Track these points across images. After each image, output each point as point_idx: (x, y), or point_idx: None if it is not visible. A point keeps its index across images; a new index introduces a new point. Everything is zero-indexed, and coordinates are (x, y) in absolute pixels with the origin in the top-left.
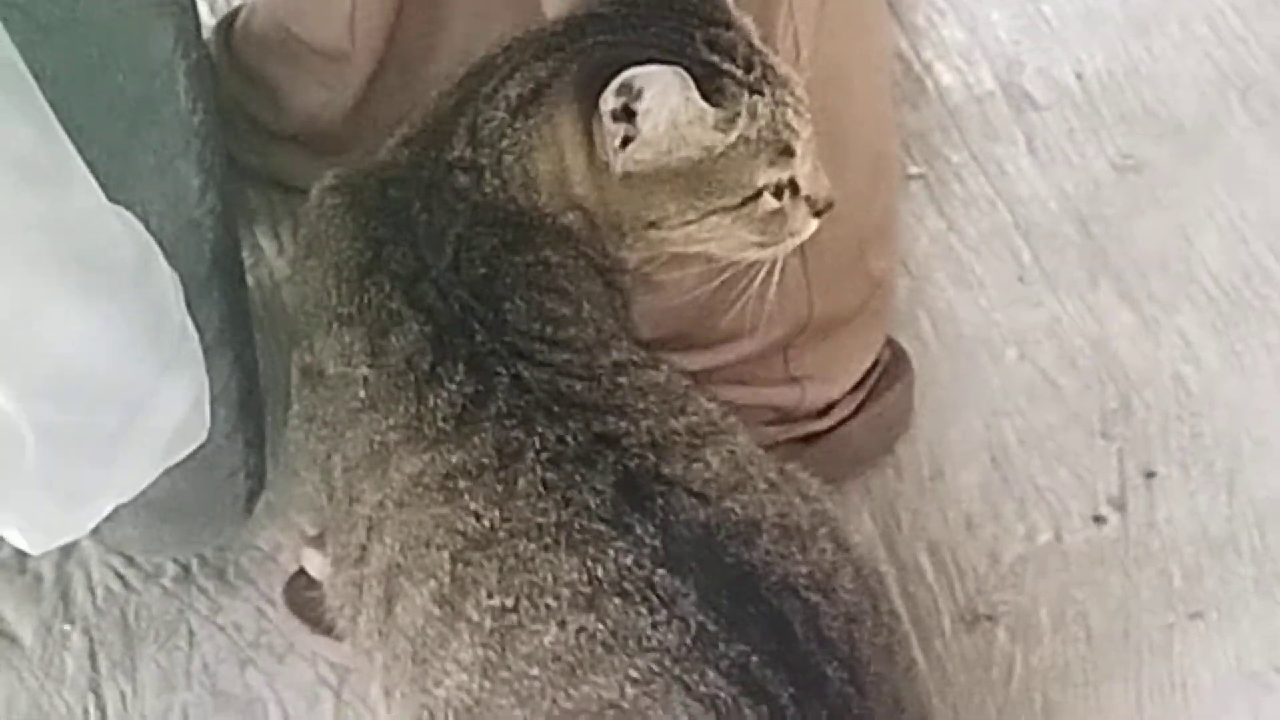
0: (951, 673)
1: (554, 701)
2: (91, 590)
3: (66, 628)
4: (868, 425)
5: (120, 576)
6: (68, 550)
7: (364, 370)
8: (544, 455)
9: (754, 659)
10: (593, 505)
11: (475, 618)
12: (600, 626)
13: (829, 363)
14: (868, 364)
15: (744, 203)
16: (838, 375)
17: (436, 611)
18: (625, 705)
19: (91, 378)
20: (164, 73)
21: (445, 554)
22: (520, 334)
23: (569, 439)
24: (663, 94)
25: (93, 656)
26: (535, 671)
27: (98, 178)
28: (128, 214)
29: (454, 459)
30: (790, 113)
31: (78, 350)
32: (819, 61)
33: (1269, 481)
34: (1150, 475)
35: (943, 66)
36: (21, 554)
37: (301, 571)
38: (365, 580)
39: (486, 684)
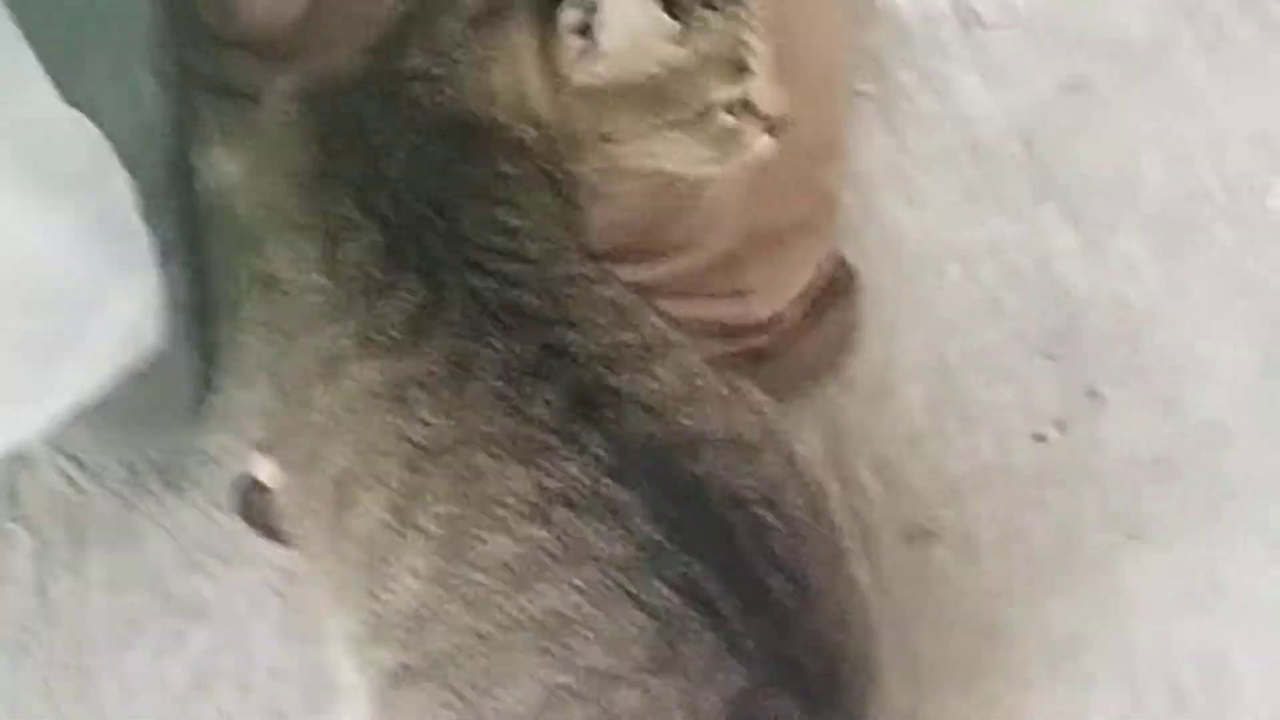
0: (895, 588)
1: (500, 609)
2: (38, 489)
3: (12, 526)
4: (815, 340)
5: (68, 477)
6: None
7: (317, 277)
8: (495, 365)
9: (699, 570)
10: (542, 416)
11: (426, 525)
12: (547, 536)
13: (774, 275)
14: (811, 276)
15: (698, 118)
16: (783, 287)
17: (388, 519)
18: (570, 614)
19: (43, 280)
20: None
21: (396, 461)
22: (473, 245)
23: (519, 350)
24: (621, 7)
25: (40, 556)
26: (483, 579)
27: (53, 80)
28: (83, 117)
29: (405, 367)
30: (746, 30)
31: (29, 252)
32: None
33: (1209, 402)
34: (1092, 395)
35: None
36: None
37: (249, 475)
38: (315, 487)
39: (436, 590)
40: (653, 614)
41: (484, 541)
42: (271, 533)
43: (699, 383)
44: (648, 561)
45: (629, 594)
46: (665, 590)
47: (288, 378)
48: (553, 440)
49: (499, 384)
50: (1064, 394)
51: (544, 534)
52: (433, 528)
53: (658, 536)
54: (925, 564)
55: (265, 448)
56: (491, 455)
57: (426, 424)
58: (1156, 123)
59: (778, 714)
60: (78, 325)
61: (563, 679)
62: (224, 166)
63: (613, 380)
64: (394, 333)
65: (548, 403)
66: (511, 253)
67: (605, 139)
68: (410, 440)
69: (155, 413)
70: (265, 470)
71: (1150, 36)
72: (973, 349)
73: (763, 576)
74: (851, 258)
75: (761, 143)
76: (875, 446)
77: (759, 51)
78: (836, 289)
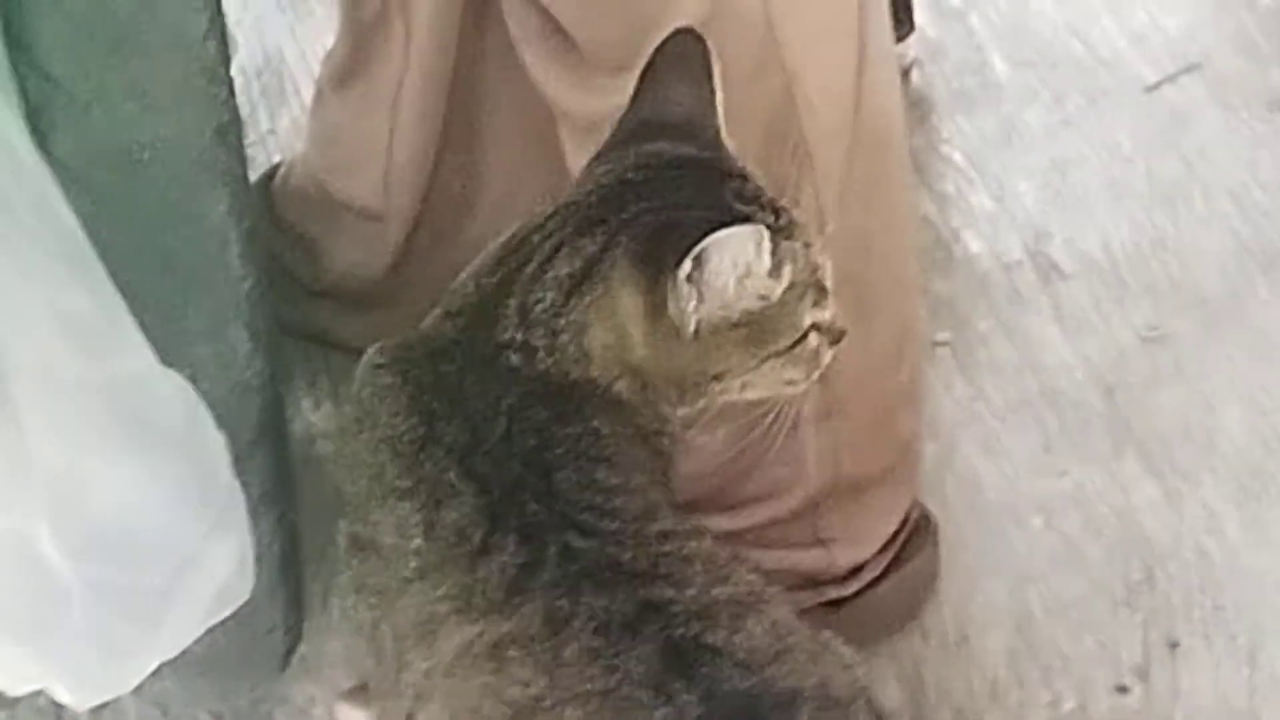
0: None
1: None
2: None
3: None
4: (895, 589)
5: None
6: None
7: (418, 542)
8: (591, 623)
9: None
10: (637, 673)
11: None
12: None
13: (856, 525)
14: (895, 526)
15: (794, 344)
16: (865, 537)
17: None
18: None
19: (141, 537)
20: (217, 239)
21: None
22: (571, 504)
23: (615, 607)
24: (735, 253)
25: None
26: None
27: (150, 341)
28: (178, 376)
29: (504, 629)
30: (815, 252)
31: (128, 510)
32: (844, 228)
33: None
34: (1174, 645)
35: (971, 234)
36: (54, 705)
37: None
38: None
39: None
40: None
41: None
42: None
43: (790, 639)
44: None
45: None
46: None
47: (385, 639)
48: (644, 695)
49: (595, 641)
50: (1146, 644)
51: None
52: None
53: None
54: None
55: (350, 696)
56: (587, 713)
57: (524, 684)
58: (1232, 372)
59: None
60: (173, 581)
61: None
62: (309, 415)
63: (707, 636)
64: (492, 594)
65: (642, 660)
66: (609, 511)
67: (715, 378)
68: (507, 701)
69: (243, 663)
70: (350, 718)
71: (1225, 287)
72: (1054, 598)
73: None
74: (932, 506)
75: (827, 355)
76: (956, 698)
77: (829, 270)
78: (916, 537)
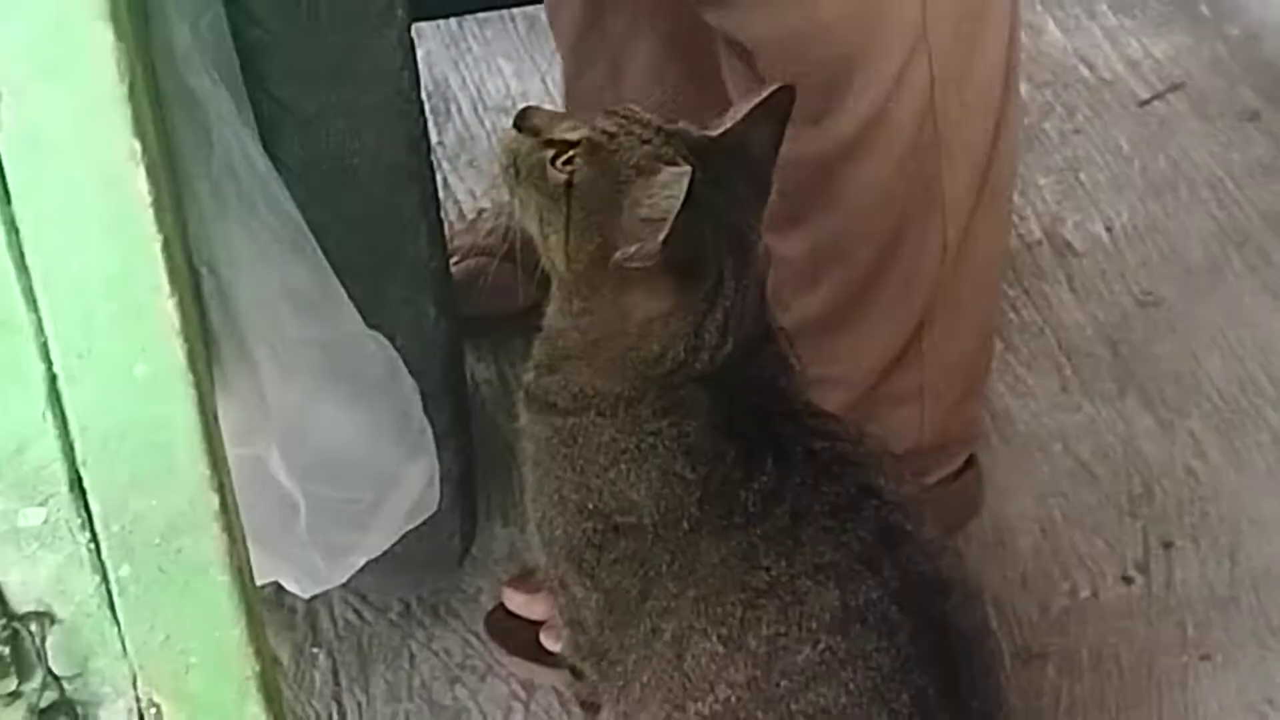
0: (1013, 700)
1: (786, 705)
2: (334, 621)
3: (315, 650)
4: (952, 504)
5: (357, 611)
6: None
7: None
8: (826, 508)
9: (930, 689)
10: (855, 547)
11: (753, 646)
12: (842, 646)
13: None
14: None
15: None
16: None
17: (720, 650)
18: (834, 712)
19: (351, 462)
20: (410, 228)
21: (737, 605)
22: (803, 415)
23: (843, 492)
24: None
25: (335, 673)
26: (785, 683)
27: (357, 308)
28: (380, 336)
29: (759, 530)
30: None
31: (342, 442)
32: (971, 248)
33: (1263, 552)
34: (1168, 545)
35: None
36: (280, 590)
37: (500, 606)
38: (653, 652)
39: (745, 694)
40: (892, 715)
41: (795, 652)
42: (517, 653)
43: (945, 541)
44: (901, 673)
45: (882, 698)
46: (906, 699)
47: (635, 596)
48: (859, 567)
49: (829, 522)
50: (1145, 545)
51: (842, 644)
52: (760, 648)
53: (912, 655)
54: (1039, 681)
55: (514, 584)
56: (816, 582)
57: (768, 569)
58: (1214, 330)
59: None
60: (377, 497)
61: None
62: (473, 365)
63: (906, 524)
64: (753, 507)
65: (861, 537)
66: (824, 413)
67: None
68: (753, 587)
69: (428, 561)
70: (514, 601)
71: (1207, 260)
72: (1071, 509)
73: (969, 698)
74: None
75: None
76: (992, 586)
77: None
78: (965, 465)
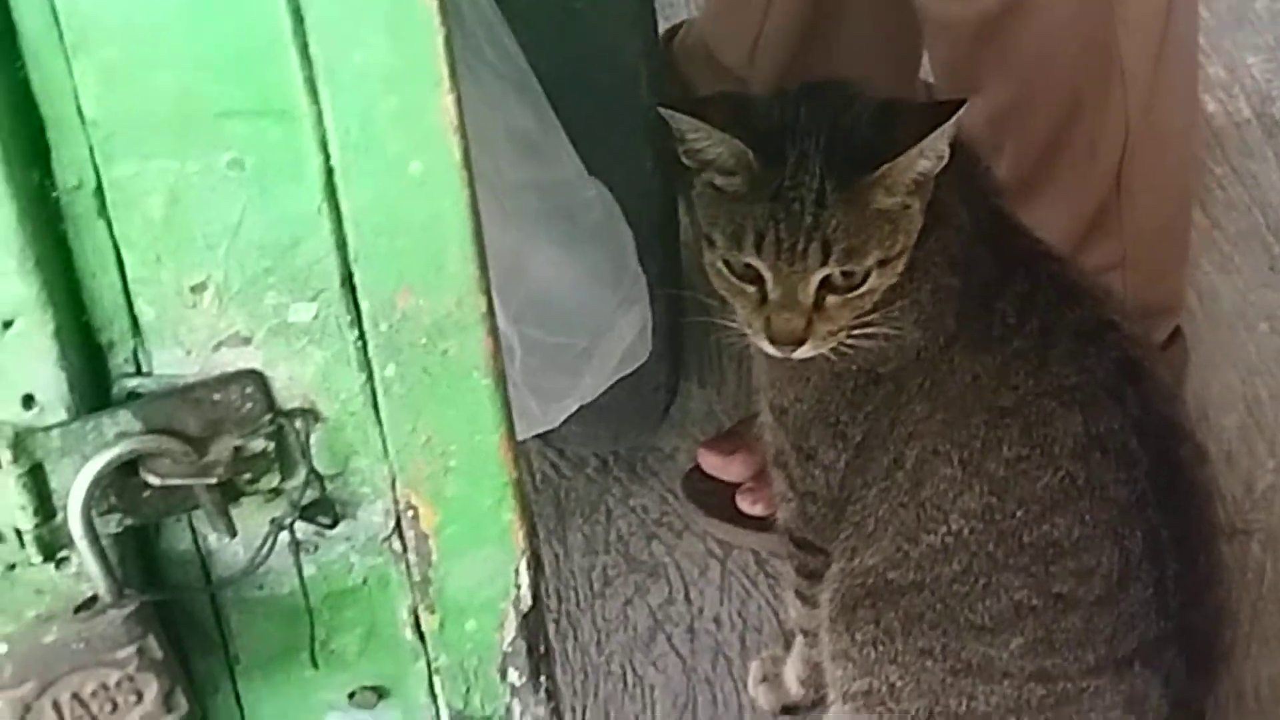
0: None
1: (1018, 537)
2: (532, 475)
3: None
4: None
5: (554, 465)
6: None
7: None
8: (1070, 329)
9: (1162, 528)
10: (1099, 373)
11: (994, 469)
12: (1083, 474)
13: None
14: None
15: None
16: None
17: (959, 475)
18: (1065, 544)
19: (567, 307)
20: (631, 75)
21: (981, 424)
22: (1041, 241)
23: (1086, 318)
24: None
25: (542, 528)
26: (1020, 512)
27: (578, 153)
28: (599, 183)
29: (1012, 347)
30: None
31: (558, 286)
32: (1146, 123)
33: None
34: None
35: (1208, 98)
36: None
37: (696, 468)
38: (892, 483)
39: (978, 525)
40: (1124, 554)
41: (1034, 479)
42: (713, 514)
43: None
44: (1136, 509)
45: (1116, 533)
46: (1139, 535)
47: (887, 430)
48: (1103, 395)
49: (1073, 344)
50: None
51: (1081, 472)
52: (1000, 472)
53: (1148, 491)
54: (1243, 556)
55: (711, 445)
56: (1061, 403)
57: (1015, 387)
58: None
59: (1170, 668)
60: (591, 342)
61: (1032, 600)
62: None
63: (1146, 361)
64: (1009, 320)
65: (1104, 365)
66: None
67: None
68: (998, 406)
69: (632, 414)
70: (710, 463)
71: None
72: (1277, 387)
73: (1197, 550)
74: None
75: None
76: None
77: None
78: (1170, 340)
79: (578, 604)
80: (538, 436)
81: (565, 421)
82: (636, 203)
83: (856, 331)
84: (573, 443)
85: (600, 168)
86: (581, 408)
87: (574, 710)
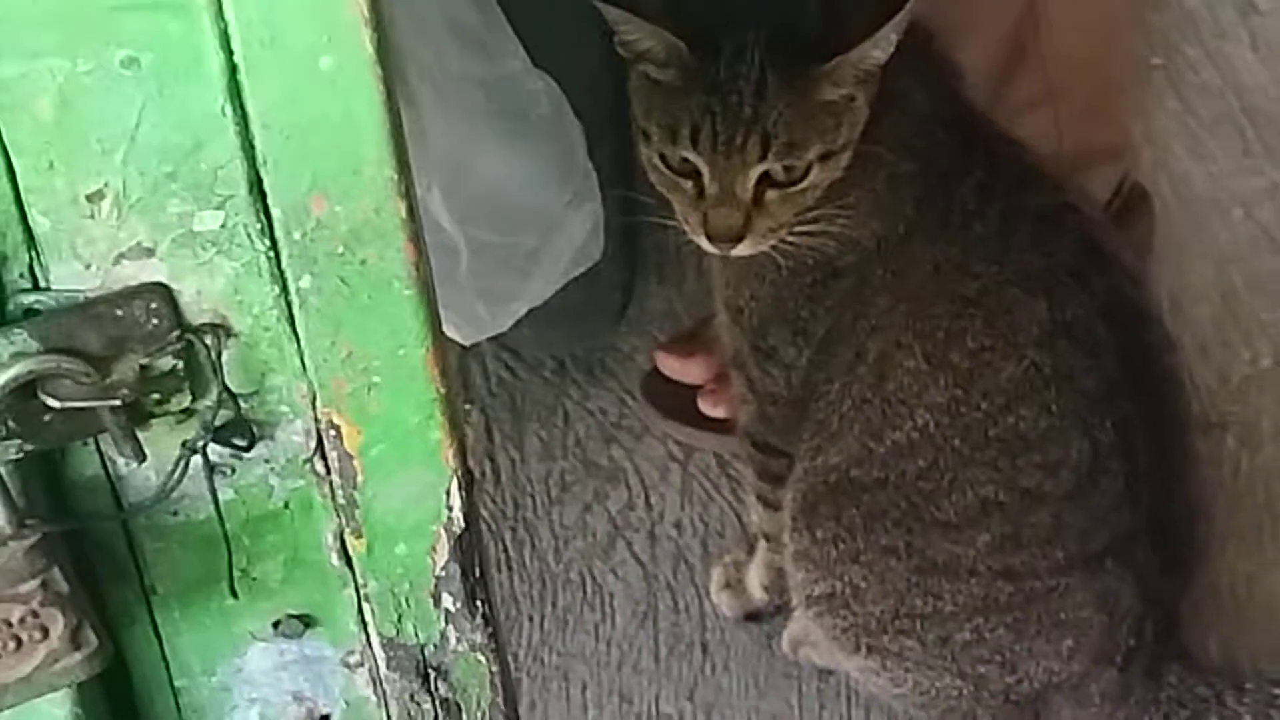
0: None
1: (984, 431)
2: (487, 378)
3: (467, 407)
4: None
5: (510, 368)
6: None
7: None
8: (1030, 214)
9: (1134, 417)
10: (1063, 257)
11: (957, 360)
12: (1048, 362)
13: None
14: (1109, 195)
15: None
16: None
17: (923, 367)
18: (1031, 437)
19: (513, 205)
20: None
21: (945, 315)
22: (994, 123)
23: (1046, 202)
24: None
25: (488, 430)
26: (984, 405)
27: (524, 45)
28: (545, 75)
29: (972, 234)
30: None
31: (504, 183)
32: None
33: None
34: None
35: None
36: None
37: (655, 370)
38: (855, 378)
39: (944, 419)
40: (1094, 445)
41: (998, 370)
42: (673, 416)
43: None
44: (1105, 398)
45: (1085, 423)
46: (1109, 425)
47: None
48: (1068, 280)
49: (1035, 229)
50: None
51: (1048, 361)
52: (964, 363)
53: (1117, 379)
54: (1218, 450)
55: (669, 347)
56: (1024, 289)
57: (976, 276)
58: None
59: (1143, 566)
60: (540, 242)
61: (999, 495)
62: None
63: (1109, 246)
64: (968, 207)
65: (1066, 247)
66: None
67: None
68: (961, 295)
69: (587, 315)
70: (668, 365)
71: None
72: (1253, 276)
73: (1169, 441)
74: None
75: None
76: None
77: None
78: (1134, 206)
79: (535, 511)
80: (492, 339)
81: (520, 323)
82: (585, 96)
83: (799, 229)
84: (528, 345)
85: (547, 60)
86: (536, 309)
87: (531, 620)
